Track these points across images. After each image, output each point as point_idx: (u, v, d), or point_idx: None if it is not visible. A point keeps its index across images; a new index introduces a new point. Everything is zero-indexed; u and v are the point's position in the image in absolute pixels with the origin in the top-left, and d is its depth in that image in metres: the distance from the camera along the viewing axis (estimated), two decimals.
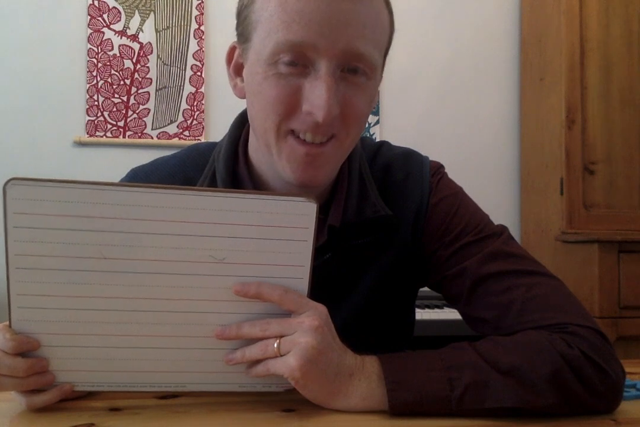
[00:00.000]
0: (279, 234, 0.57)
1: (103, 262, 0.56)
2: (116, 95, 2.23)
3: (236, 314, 0.59)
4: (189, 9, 2.29)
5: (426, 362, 0.62)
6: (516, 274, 0.72)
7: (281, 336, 0.58)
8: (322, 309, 0.60)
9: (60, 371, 0.60)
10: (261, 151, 0.72)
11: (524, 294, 0.70)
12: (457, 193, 0.82)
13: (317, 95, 0.63)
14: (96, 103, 2.21)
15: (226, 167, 0.75)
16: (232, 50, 0.74)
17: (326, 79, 0.63)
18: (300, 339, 0.57)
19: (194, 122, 2.27)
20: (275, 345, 0.58)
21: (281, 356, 0.58)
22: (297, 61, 0.63)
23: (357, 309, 0.79)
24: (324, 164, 0.68)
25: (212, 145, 0.82)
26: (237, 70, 0.73)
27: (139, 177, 0.80)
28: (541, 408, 0.60)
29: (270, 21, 0.64)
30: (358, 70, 0.66)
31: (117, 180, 0.79)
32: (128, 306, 0.58)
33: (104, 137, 2.21)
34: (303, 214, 0.57)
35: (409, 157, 0.83)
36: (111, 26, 2.23)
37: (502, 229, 0.78)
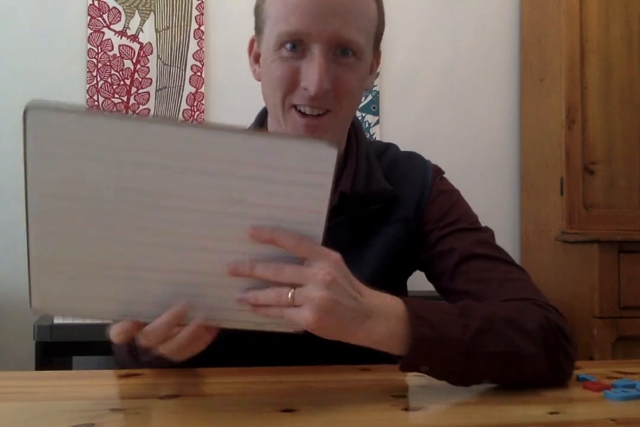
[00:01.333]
0: (298, 177, 0.57)
1: (120, 194, 0.56)
2: (116, 96, 2.23)
3: (249, 254, 0.59)
4: (189, 9, 2.29)
5: (442, 307, 0.69)
6: (498, 260, 0.84)
7: (294, 285, 0.59)
8: (335, 257, 0.61)
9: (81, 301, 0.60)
10: (273, 125, 0.85)
11: (503, 276, 0.82)
12: (456, 192, 0.94)
13: (311, 73, 0.75)
14: (96, 103, 2.21)
15: None
16: (252, 41, 0.87)
17: (318, 59, 0.75)
18: (314, 293, 0.58)
19: (194, 122, 2.27)
20: (290, 295, 0.58)
21: (295, 306, 0.59)
22: (296, 45, 0.77)
23: (363, 279, 0.82)
24: (321, 133, 0.79)
25: None
26: (256, 58, 0.86)
27: None
28: (529, 356, 0.69)
29: (275, 16, 0.78)
30: (348, 52, 0.77)
31: None
32: (142, 239, 0.57)
33: None
34: (323, 159, 0.56)
35: (414, 157, 0.96)
36: (111, 26, 2.23)
37: (490, 229, 0.91)
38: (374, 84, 2.39)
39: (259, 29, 0.83)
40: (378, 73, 2.35)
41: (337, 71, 0.77)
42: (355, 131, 0.93)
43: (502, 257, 0.85)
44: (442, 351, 0.64)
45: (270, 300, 0.59)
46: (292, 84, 0.77)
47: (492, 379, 0.71)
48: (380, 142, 0.98)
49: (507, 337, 0.68)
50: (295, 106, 0.79)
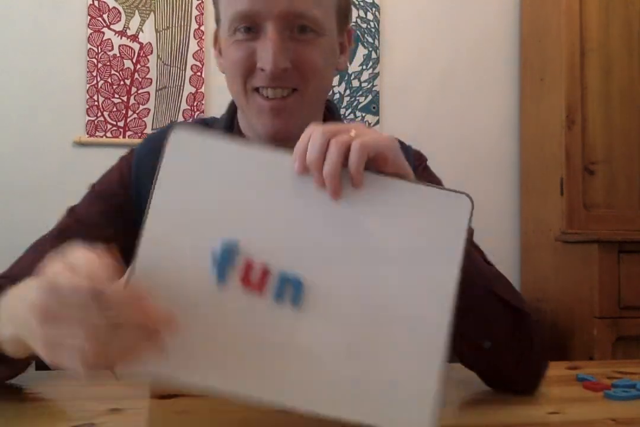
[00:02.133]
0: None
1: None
2: (116, 96, 2.23)
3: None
4: (189, 9, 2.28)
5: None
6: (480, 254, 0.80)
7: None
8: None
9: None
10: (241, 114, 0.80)
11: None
12: (439, 183, 0.86)
13: (265, 51, 0.71)
14: (96, 103, 2.21)
15: (226, 131, 0.81)
16: (215, 34, 0.82)
17: (271, 37, 0.71)
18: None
19: None
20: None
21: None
22: (251, 27, 0.72)
23: None
24: (289, 115, 0.74)
25: (215, 119, 0.87)
26: (220, 50, 0.81)
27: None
28: (530, 316, 0.71)
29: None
30: (305, 28, 0.73)
31: None
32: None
33: (104, 137, 2.21)
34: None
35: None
36: (111, 26, 2.23)
37: (472, 228, 0.86)
38: (374, 84, 2.39)
39: (217, 17, 0.79)
40: (378, 73, 2.36)
41: (296, 48, 0.72)
42: (333, 116, 0.85)
43: (484, 255, 0.83)
44: (474, 272, 0.65)
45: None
46: (249, 66, 0.73)
47: (491, 334, 0.68)
48: None
49: (517, 295, 0.72)
50: (257, 89, 0.74)
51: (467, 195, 0.51)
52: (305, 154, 0.51)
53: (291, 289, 0.49)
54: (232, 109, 0.83)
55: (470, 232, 0.82)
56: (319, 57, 0.74)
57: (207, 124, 0.86)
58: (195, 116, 2.26)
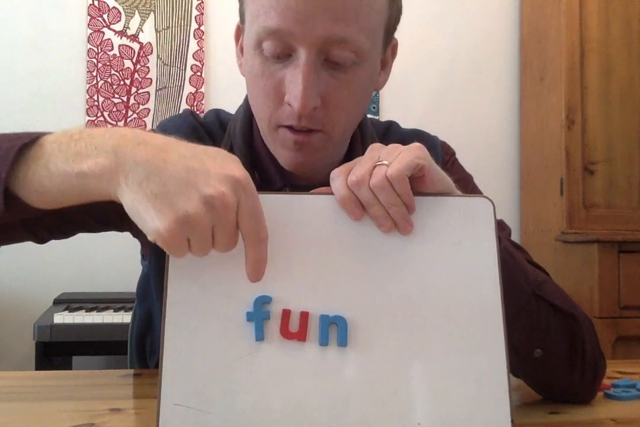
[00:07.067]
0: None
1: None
2: (116, 96, 2.22)
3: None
4: (189, 9, 2.28)
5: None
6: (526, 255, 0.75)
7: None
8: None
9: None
10: (262, 132, 0.72)
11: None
12: (469, 179, 0.83)
13: (294, 86, 0.62)
14: (96, 103, 2.21)
15: (245, 143, 0.74)
16: (238, 29, 0.72)
17: (303, 69, 0.61)
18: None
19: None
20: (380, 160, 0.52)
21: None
22: (281, 52, 0.62)
23: None
24: (313, 151, 0.67)
25: (230, 117, 0.80)
26: (242, 49, 0.71)
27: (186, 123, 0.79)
28: (584, 320, 0.67)
29: (255, 4, 0.63)
30: (344, 57, 0.62)
31: None
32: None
33: None
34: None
35: (420, 136, 0.83)
36: (111, 26, 2.23)
37: (508, 227, 0.80)
38: None
39: (241, 17, 0.68)
40: None
41: (328, 81, 0.63)
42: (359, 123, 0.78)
43: (529, 256, 0.75)
44: (519, 276, 0.63)
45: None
46: (277, 99, 0.64)
47: (542, 342, 0.64)
48: (379, 122, 0.86)
49: (568, 300, 0.68)
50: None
51: (487, 198, 0.53)
52: (354, 204, 0.51)
53: (336, 330, 0.47)
54: (250, 112, 0.74)
55: (508, 232, 0.78)
56: (352, 92, 0.65)
57: (221, 122, 0.79)
58: None
